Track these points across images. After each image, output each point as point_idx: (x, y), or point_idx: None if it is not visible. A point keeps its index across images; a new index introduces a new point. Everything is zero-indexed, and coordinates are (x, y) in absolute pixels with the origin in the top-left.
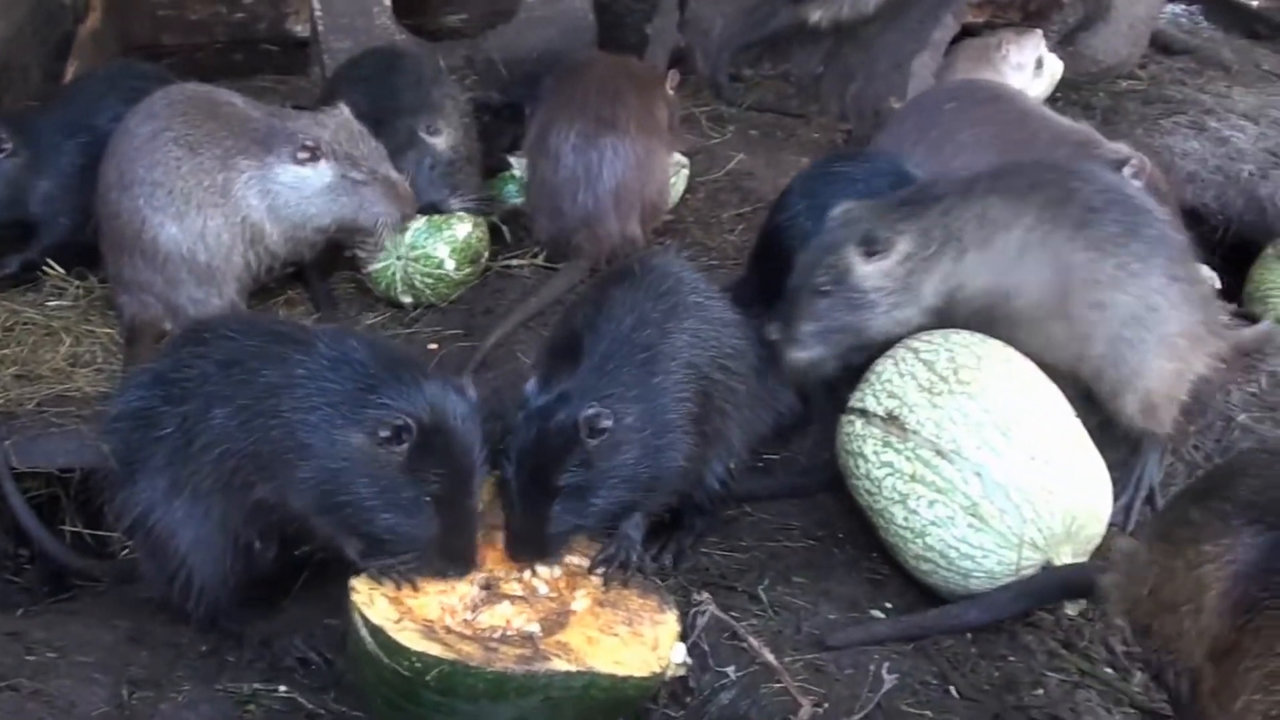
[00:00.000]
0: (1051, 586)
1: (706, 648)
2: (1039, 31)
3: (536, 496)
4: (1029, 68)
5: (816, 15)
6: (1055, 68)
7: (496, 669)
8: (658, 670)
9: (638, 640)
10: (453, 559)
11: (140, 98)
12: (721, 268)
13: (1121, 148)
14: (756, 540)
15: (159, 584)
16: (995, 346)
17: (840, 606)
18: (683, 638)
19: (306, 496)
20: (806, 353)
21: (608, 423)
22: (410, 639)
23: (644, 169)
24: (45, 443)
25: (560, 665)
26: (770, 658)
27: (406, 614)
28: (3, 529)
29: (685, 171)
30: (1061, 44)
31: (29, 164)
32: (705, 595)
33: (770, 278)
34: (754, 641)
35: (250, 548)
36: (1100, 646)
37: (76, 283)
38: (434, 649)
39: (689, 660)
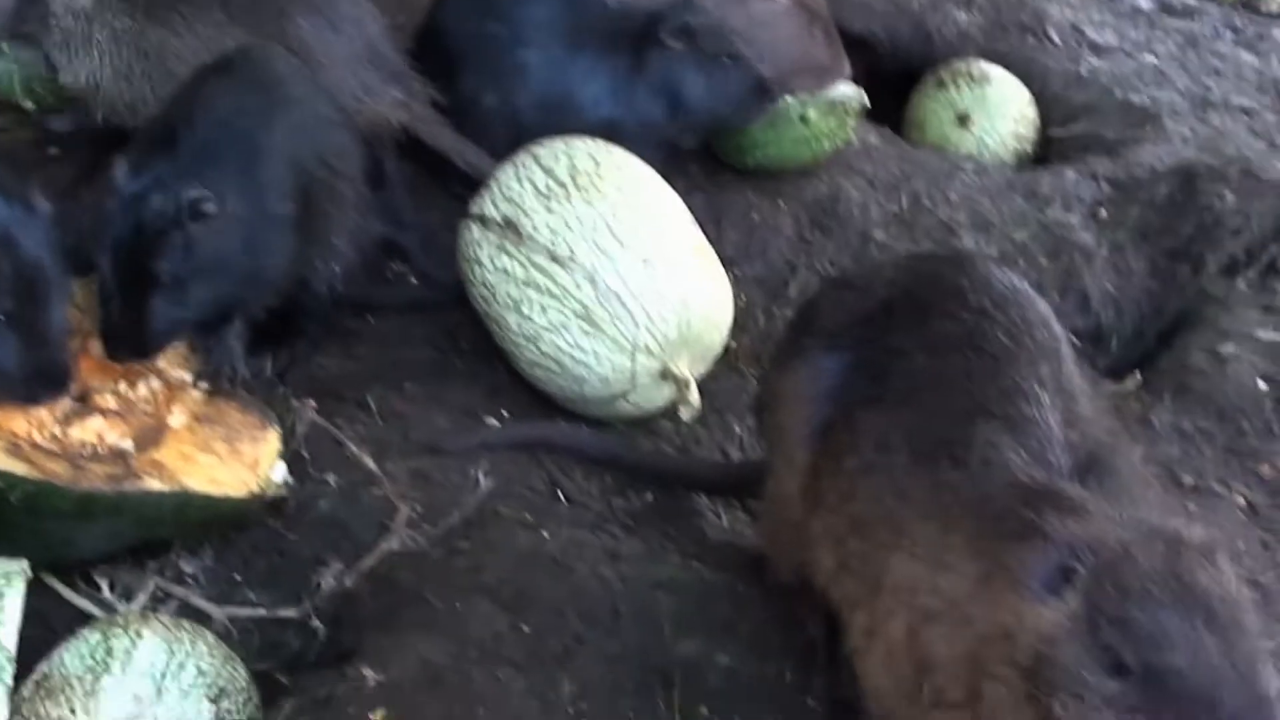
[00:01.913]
0: (671, 472)
1: (307, 455)
2: None
3: (135, 288)
4: None
5: None
6: None
7: (84, 488)
8: (256, 490)
9: (236, 458)
10: (40, 380)
11: None
12: None
13: None
14: (374, 349)
15: None
16: (617, 153)
17: (453, 414)
18: (284, 450)
19: None
20: None
21: (211, 206)
22: None
23: None
24: None
25: (153, 484)
26: (370, 463)
27: None
28: None
29: None
30: None
31: None
32: (309, 402)
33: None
34: (354, 447)
35: None
36: (718, 452)
37: None
38: (18, 467)
39: (290, 479)
